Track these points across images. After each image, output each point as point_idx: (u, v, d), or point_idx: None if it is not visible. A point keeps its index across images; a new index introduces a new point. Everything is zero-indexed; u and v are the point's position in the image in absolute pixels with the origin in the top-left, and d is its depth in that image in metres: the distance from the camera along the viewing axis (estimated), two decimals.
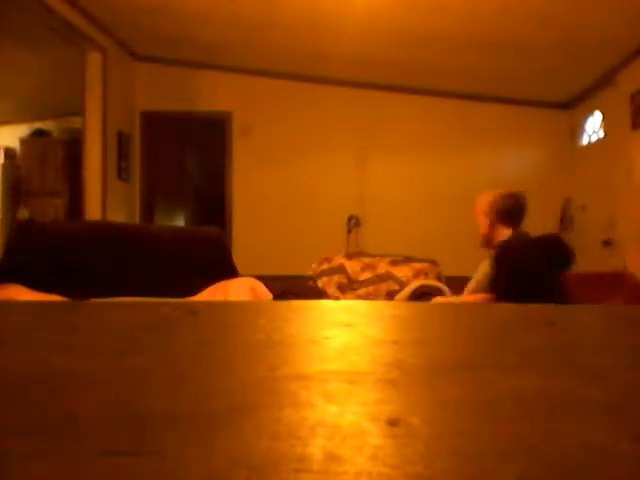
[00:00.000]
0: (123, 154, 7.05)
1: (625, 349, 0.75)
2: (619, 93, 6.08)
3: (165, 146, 7.90)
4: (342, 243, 7.17)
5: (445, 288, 4.13)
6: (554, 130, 7.43)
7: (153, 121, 7.58)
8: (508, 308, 1.45)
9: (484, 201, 3.15)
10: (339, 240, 7.19)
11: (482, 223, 3.16)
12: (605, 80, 6.35)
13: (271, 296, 2.39)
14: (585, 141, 7.20)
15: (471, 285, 3.21)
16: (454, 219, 7.34)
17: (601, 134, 6.78)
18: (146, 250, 2.60)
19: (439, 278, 4.51)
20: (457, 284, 4.40)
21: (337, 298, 4.45)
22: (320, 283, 4.64)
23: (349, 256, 4.95)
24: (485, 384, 0.52)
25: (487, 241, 3.21)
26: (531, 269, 2.71)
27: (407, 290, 4.16)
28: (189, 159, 9.06)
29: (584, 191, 7.02)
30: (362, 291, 4.52)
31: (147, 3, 5.73)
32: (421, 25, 5.61)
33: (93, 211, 6.45)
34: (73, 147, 7.86)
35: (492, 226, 3.09)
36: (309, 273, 4.79)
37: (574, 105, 7.28)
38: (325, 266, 4.74)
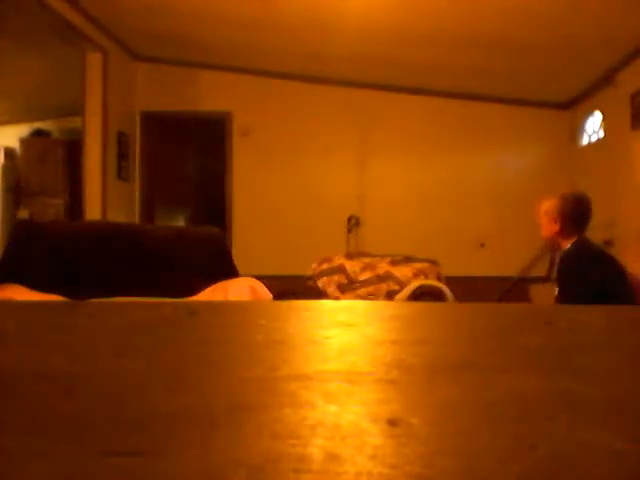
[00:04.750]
0: (123, 154, 7.05)
1: (625, 349, 0.75)
2: (619, 93, 6.08)
3: (165, 146, 7.90)
4: (342, 243, 7.17)
5: (445, 288, 4.13)
6: (554, 130, 7.43)
7: (153, 121, 7.58)
8: (508, 308, 1.45)
9: (551, 204, 3.11)
10: (339, 240, 7.19)
11: (546, 227, 3.11)
12: (605, 80, 6.35)
13: (271, 296, 2.39)
14: (585, 141, 7.20)
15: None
16: (454, 219, 7.35)
17: (601, 134, 6.78)
18: (146, 250, 2.60)
19: (439, 278, 4.51)
20: (457, 284, 4.40)
21: (337, 298, 4.45)
22: (320, 283, 4.64)
23: (349, 256, 4.94)
24: (485, 384, 0.52)
25: (552, 245, 3.23)
26: (592, 279, 2.80)
27: (407, 290, 4.16)
28: (189, 159, 9.06)
29: (584, 191, 7.01)
30: (362, 291, 4.52)
31: (147, 3, 5.73)
32: (421, 25, 5.60)
33: (93, 211, 6.45)
34: (73, 147, 7.86)
35: (559, 231, 3.06)
36: (309, 273, 4.79)
37: (574, 105, 7.28)
38: (325, 266, 4.74)
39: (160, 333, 0.87)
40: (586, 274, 2.88)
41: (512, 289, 6.71)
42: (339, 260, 4.76)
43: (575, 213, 3.04)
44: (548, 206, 3.11)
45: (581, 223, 3.06)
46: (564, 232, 3.04)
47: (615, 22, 5.13)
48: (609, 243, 6.25)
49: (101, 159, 6.51)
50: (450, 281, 4.47)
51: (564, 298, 2.90)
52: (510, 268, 7.04)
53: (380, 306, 1.64)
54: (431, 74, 6.99)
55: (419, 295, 4.01)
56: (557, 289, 3.03)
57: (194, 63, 7.30)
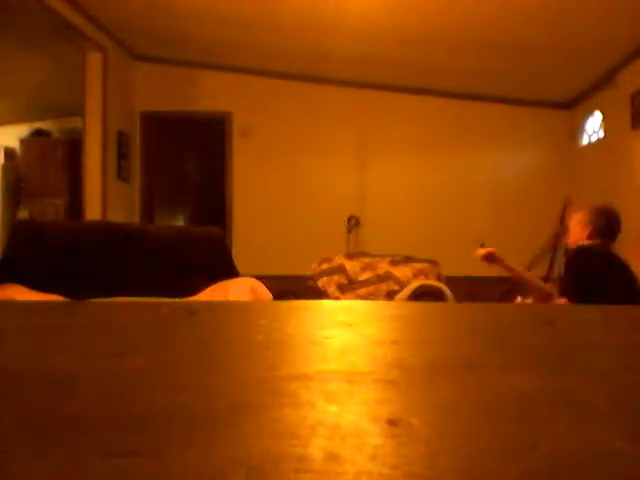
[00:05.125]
0: (123, 154, 7.05)
1: (625, 349, 0.75)
2: (619, 93, 6.08)
3: (165, 146, 7.90)
4: (342, 243, 7.17)
5: (445, 288, 4.13)
6: (554, 130, 7.43)
7: (153, 121, 7.58)
8: (508, 308, 1.45)
9: (583, 216, 3.37)
10: (339, 240, 7.19)
11: (576, 234, 3.36)
12: (605, 80, 6.35)
13: (271, 296, 2.39)
14: (585, 141, 7.20)
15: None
16: (454, 219, 7.35)
17: (601, 134, 6.78)
18: (146, 250, 2.60)
19: (439, 278, 4.51)
20: (457, 284, 4.40)
21: (337, 298, 4.45)
22: (320, 283, 4.64)
23: (349, 256, 4.94)
24: (485, 384, 0.52)
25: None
26: (596, 274, 2.98)
27: (407, 290, 4.16)
28: (189, 159, 9.06)
29: (584, 191, 7.02)
30: (362, 291, 4.52)
31: (147, 3, 5.73)
32: (421, 25, 5.60)
33: (93, 211, 6.45)
34: (73, 147, 7.87)
35: (585, 238, 3.30)
36: (309, 273, 4.79)
37: (574, 105, 7.28)
38: (325, 266, 4.74)
39: (160, 333, 0.87)
40: (588, 268, 3.07)
41: (512, 289, 6.71)
42: (339, 260, 4.76)
43: (605, 228, 3.29)
44: (581, 217, 3.35)
45: (609, 237, 3.31)
46: (590, 239, 3.27)
47: (615, 22, 5.13)
48: None
49: (101, 159, 6.51)
50: (450, 281, 4.47)
51: (565, 289, 3.06)
52: None
53: (380, 306, 1.64)
54: (431, 74, 6.99)
55: (419, 295, 4.00)
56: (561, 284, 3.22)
57: (194, 63, 7.30)
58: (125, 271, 2.47)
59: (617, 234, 3.34)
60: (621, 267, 3.16)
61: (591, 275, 3.01)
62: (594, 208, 3.35)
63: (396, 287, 4.42)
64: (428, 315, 1.21)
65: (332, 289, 4.59)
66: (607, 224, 3.28)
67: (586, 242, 3.25)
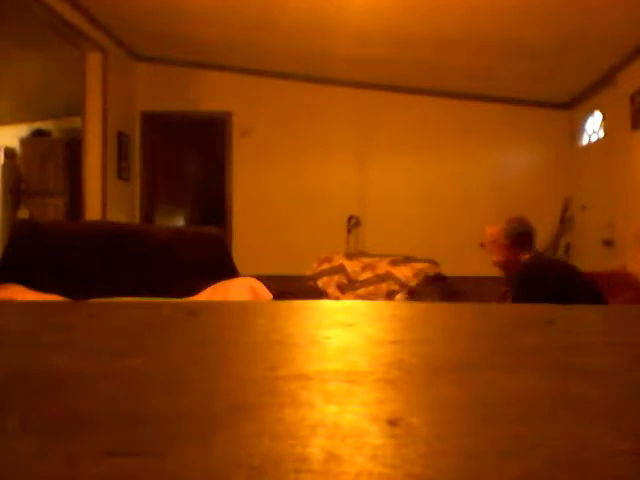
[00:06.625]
0: (123, 154, 7.05)
1: (625, 349, 0.75)
2: (619, 93, 6.08)
3: (165, 146, 7.90)
4: (342, 243, 7.17)
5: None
6: (554, 130, 7.43)
7: (153, 121, 7.58)
8: (508, 308, 1.45)
9: (494, 231, 3.27)
10: (339, 240, 7.19)
11: (496, 252, 3.30)
12: (605, 80, 6.35)
13: (271, 296, 2.39)
14: (585, 141, 7.20)
15: None
16: (454, 219, 7.35)
17: (601, 134, 6.78)
18: (146, 250, 2.60)
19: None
20: (457, 284, 4.40)
21: (337, 298, 4.45)
22: (320, 283, 4.64)
23: (349, 256, 4.94)
24: (485, 384, 0.52)
25: (504, 266, 3.38)
26: (551, 292, 2.92)
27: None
28: (189, 159, 9.06)
29: (584, 191, 7.02)
30: (362, 291, 4.52)
31: (147, 3, 5.73)
32: (421, 25, 5.61)
33: (93, 211, 6.45)
34: (73, 147, 7.87)
35: (508, 252, 3.23)
36: (309, 273, 4.79)
37: (574, 105, 7.28)
38: (325, 266, 4.74)
39: (160, 333, 0.88)
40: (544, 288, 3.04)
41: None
42: (339, 260, 4.77)
43: (517, 231, 3.23)
44: (491, 234, 3.33)
45: (526, 240, 3.24)
46: (513, 252, 3.26)
47: (615, 22, 5.13)
48: (609, 243, 6.25)
49: (101, 159, 6.51)
50: (450, 281, 4.47)
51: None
52: None
53: (380, 306, 1.64)
54: (431, 74, 6.99)
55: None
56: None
57: (194, 63, 7.30)
58: (125, 271, 2.47)
59: (533, 238, 3.27)
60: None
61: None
62: (504, 221, 3.31)
63: (396, 287, 4.42)
64: (428, 315, 1.21)
65: (332, 289, 4.59)
66: (522, 229, 3.23)
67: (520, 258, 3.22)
